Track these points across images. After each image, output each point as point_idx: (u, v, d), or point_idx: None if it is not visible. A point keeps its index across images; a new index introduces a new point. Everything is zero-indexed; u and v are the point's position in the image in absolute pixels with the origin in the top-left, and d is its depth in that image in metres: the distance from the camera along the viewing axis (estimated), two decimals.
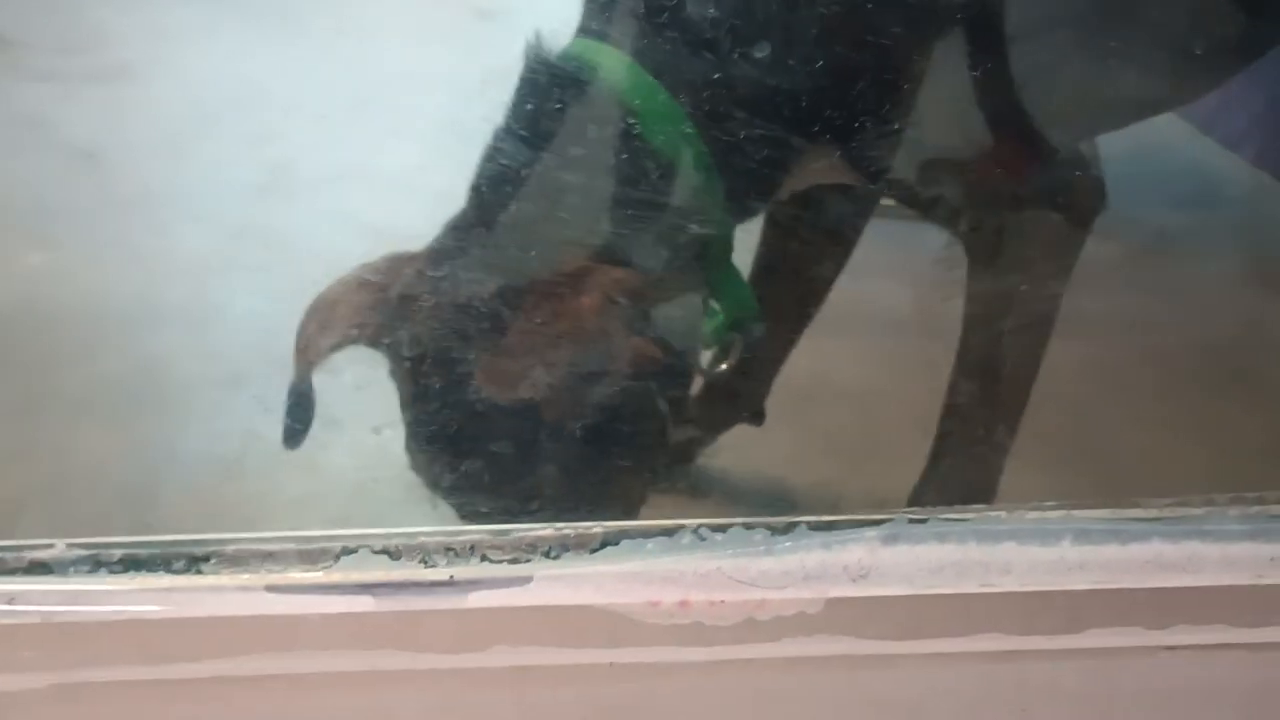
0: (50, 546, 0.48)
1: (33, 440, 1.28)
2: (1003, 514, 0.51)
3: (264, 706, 0.49)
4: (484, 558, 0.49)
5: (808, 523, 0.50)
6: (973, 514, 0.51)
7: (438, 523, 0.89)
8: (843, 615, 0.50)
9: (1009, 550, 0.50)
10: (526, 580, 0.49)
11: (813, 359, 1.42)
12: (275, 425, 1.30)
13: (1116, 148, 1.84)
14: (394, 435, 1.28)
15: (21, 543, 0.47)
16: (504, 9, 1.94)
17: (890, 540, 0.51)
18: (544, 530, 0.49)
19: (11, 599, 0.47)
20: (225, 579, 0.48)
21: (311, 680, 0.49)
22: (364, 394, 1.37)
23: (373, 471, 1.25)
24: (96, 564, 0.48)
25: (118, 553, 0.48)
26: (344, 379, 1.38)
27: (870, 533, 0.50)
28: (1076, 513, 0.52)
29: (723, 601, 0.50)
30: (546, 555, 0.49)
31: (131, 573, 0.48)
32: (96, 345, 1.45)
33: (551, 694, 0.51)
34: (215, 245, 1.69)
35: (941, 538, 0.50)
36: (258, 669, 0.48)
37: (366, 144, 1.90)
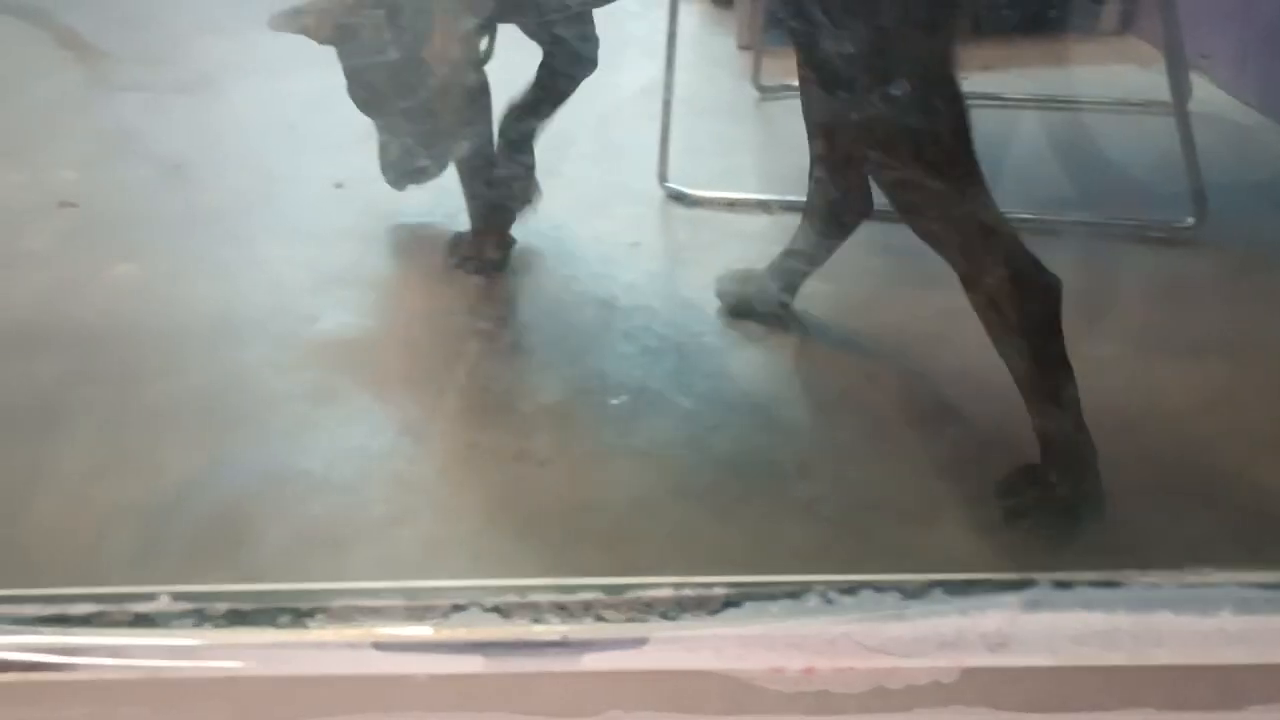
0: (154, 599, 0.46)
1: (121, 455, 1.28)
2: (1156, 579, 0.47)
3: None
4: (598, 617, 0.47)
5: (943, 585, 0.47)
6: (1123, 579, 0.47)
7: (546, 565, 0.89)
8: (979, 686, 0.47)
9: (1162, 620, 0.47)
10: (642, 642, 0.46)
11: (923, 381, 1.38)
12: (363, 438, 1.30)
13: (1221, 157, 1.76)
14: (486, 451, 1.27)
15: (124, 591, 0.46)
16: None
17: (1032, 606, 0.47)
18: (662, 590, 0.47)
19: (115, 652, 0.45)
20: (331, 634, 0.46)
21: None
22: (454, 408, 1.36)
23: (462, 489, 1.23)
24: (201, 618, 0.46)
25: (222, 606, 0.46)
26: (432, 389, 1.38)
27: (1010, 598, 0.47)
28: (1238, 576, 0.48)
29: (851, 669, 0.46)
30: (664, 616, 0.47)
31: (236, 627, 0.46)
32: (183, 357, 1.45)
33: None
34: (301, 257, 1.69)
35: (1088, 604, 0.47)
36: None
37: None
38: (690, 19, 1.82)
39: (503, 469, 1.25)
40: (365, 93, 1.63)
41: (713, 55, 2.27)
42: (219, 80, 2.11)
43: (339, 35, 1.57)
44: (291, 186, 1.70)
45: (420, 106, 1.60)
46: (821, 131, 1.30)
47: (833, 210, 1.38)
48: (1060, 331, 1.05)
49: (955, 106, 1.00)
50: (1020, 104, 2.11)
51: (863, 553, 1.12)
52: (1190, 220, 1.71)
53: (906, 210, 1.03)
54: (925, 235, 1.03)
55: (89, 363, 1.40)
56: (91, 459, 1.24)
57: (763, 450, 1.31)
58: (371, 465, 1.27)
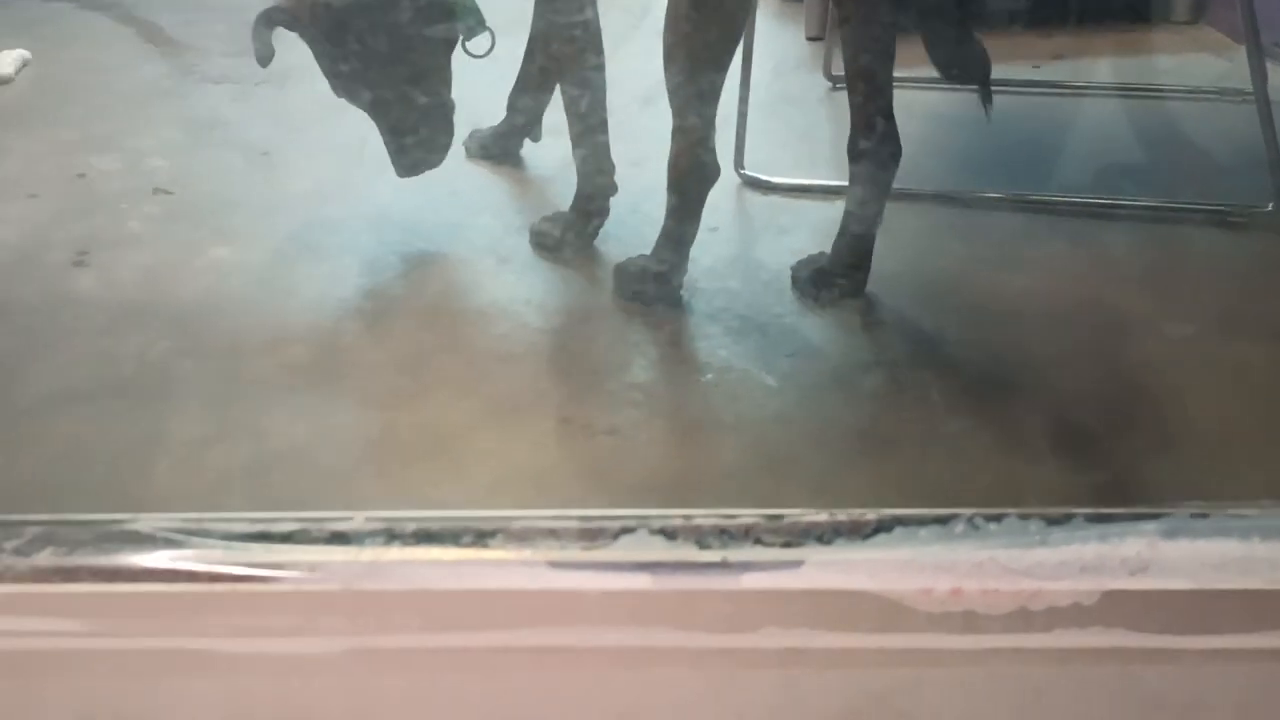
0: (349, 519, 0.50)
1: (231, 423, 1.33)
2: None
3: (544, 678, 0.51)
4: (757, 541, 0.50)
5: (1084, 514, 0.50)
6: (1259, 509, 0.50)
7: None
8: (1119, 608, 0.49)
9: None
10: (798, 564, 0.50)
11: (1002, 362, 1.40)
12: (456, 411, 1.34)
13: None
14: (578, 426, 1.31)
15: (323, 515, 0.50)
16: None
17: (1171, 534, 0.50)
18: (817, 515, 0.50)
19: (313, 568, 0.49)
20: (510, 554, 0.49)
21: (589, 654, 0.50)
22: (544, 384, 1.40)
23: (555, 462, 1.27)
24: (390, 536, 0.50)
25: (410, 526, 0.50)
26: (524, 366, 1.43)
27: (1149, 526, 0.50)
28: None
29: (996, 590, 0.49)
30: (819, 540, 0.50)
31: (423, 545, 0.50)
32: (282, 334, 1.50)
33: (821, 677, 0.51)
34: (388, 239, 1.74)
35: (1225, 533, 0.49)
36: (539, 641, 0.50)
37: (536, 145, 1.93)
38: (761, 12, 1.85)
39: (594, 443, 1.29)
40: (355, 83, 1.55)
41: (784, 47, 2.29)
42: (302, 70, 2.15)
43: (325, 24, 1.50)
44: (379, 172, 1.74)
45: (420, 90, 1.56)
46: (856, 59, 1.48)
47: (873, 160, 1.49)
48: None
49: None
50: (1093, 92, 2.11)
51: None
52: (1270, 205, 1.71)
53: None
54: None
55: (193, 339, 1.46)
56: (203, 426, 1.29)
57: (848, 426, 1.34)
58: (464, 436, 1.31)
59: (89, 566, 0.47)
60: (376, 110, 1.59)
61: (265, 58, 1.52)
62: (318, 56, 1.57)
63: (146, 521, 0.48)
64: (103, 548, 0.47)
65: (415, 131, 1.60)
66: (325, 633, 0.50)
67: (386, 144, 1.62)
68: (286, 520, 0.49)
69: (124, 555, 0.48)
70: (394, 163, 1.63)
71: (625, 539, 0.50)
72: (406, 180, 1.80)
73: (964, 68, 1.46)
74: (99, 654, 0.47)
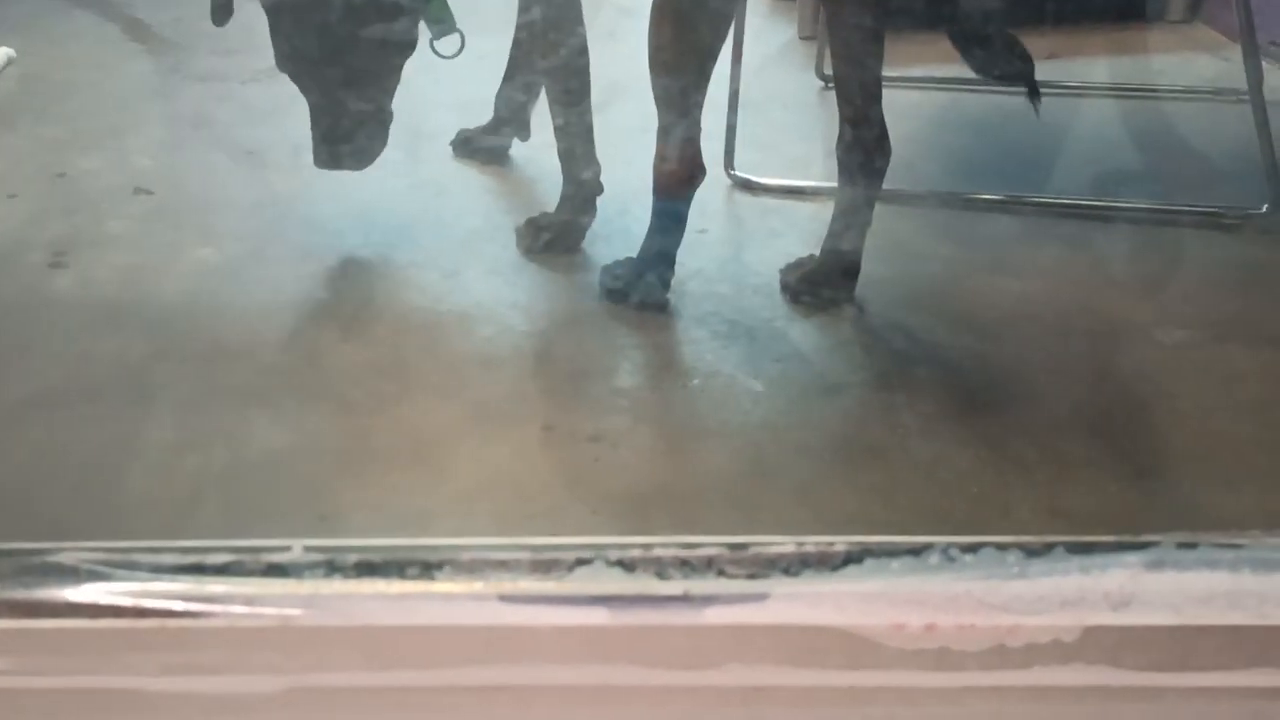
0: (287, 550, 0.47)
1: (205, 431, 1.31)
2: None
3: (494, 717, 0.48)
4: (720, 573, 0.47)
5: (1065, 544, 0.47)
6: (1248, 540, 0.47)
7: (660, 531, 0.91)
8: (1101, 644, 0.47)
9: None
10: (763, 597, 0.47)
11: (992, 367, 1.38)
12: (438, 417, 1.32)
13: None
14: (562, 433, 1.29)
15: (259, 544, 0.47)
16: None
17: (1155, 566, 0.47)
18: (784, 546, 0.47)
19: (249, 600, 0.47)
20: (458, 587, 0.47)
21: (542, 693, 0.48)
22: (530, 391, 1.38)
23: (538, 469, 1.25)
24: (331, 568, 0.47)
25: (352, 557, 0.47)
26: (507, 371, 1.40)
27: (1132, 557, 0.47)
28: None
29: (972, 626, 0.47)
30: (785, 572, 0.47)
31: (366, 578, 0.47)
32: (263, 337, 1.48)
33: (787, 715, 0.49)
34: (374, 242, 1.71)
35: (1212, 565, 0.47)
36: (489, 680, 0.47)
37: (524, 145, 1.91)
38: (753, 10, 1.82)
39: (578, 450, 1.27)
40: (298, 60, 1.49)
41: (776, 46, 2.27)
42: None
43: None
44: (367, 173, 1.72)
45: (361, 84, 1.49)
46: (846, 66, 1.46)
47: (862, 162, 1.46)
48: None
49: None
50: (1088, 91, 2.08)
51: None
52: (1265, 207, 1.69)
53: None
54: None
55: (171, 342, 1.44)
56: (176, 434, 1.27)
57: (835, 433, 1.32)
58: (445, 443, 1.29)
59: (8, 600, 0.45)
60: (313, 93, 1.52)
61: (222, 14, 1.50)
62: (271, 25, 1.51)
63: (70, 553, 0.45)
64: (23, 580, 0.45)
65: (347, 125, 1.52)
66: (261, 671, 0.47)
67: (313, 129, 1.53)
68: (220, 551, 0.46)
69: (46, 589, 0.45)
70: (314, 150, 1.54)
71: (581, 570, 0.47)
72: (393, 180, 1.78)
73: (1004, 66, 1.42)
74: (19, 694, 0.45)
